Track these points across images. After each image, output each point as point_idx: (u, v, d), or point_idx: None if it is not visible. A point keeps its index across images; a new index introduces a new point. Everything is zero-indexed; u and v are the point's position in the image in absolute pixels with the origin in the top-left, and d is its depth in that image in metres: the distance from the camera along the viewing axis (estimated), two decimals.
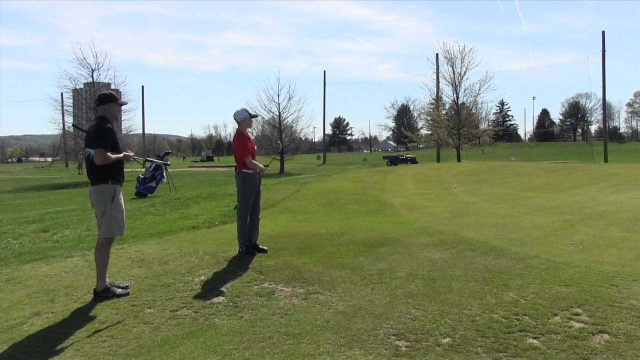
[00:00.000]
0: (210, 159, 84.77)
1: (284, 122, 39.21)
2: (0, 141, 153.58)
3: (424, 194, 12.51)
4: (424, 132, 54.58)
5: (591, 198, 10.83)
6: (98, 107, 4.72)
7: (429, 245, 6.23)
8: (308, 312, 3.96)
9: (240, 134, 6.08)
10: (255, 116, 6.25)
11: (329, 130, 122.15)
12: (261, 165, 6.15)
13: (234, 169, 6.34)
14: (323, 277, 4.92)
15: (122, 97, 29.07)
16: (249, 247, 6.07)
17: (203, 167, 54.96)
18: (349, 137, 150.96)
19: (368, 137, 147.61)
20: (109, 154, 4.45)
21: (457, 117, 39.69)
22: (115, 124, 4.87)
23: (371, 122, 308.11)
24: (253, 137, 6.38)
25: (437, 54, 41.74)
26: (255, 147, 6.27)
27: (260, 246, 6.15)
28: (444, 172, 18.91)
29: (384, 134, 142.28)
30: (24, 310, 4.24)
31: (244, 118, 6.01)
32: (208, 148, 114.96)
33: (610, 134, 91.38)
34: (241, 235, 6.08)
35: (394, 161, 48.04)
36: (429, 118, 46.20)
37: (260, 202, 6.34)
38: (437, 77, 41.96)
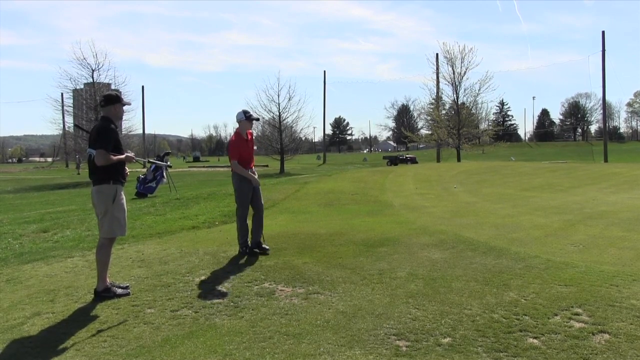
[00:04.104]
0: (196, 159, 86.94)
1: (284, 122, 39.25)
2: (0, 141, 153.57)
3: (424, 194, 12.51)
4: (424, 132, 54.63)
5: (591, 198, 10.83)
6: (103, 107, 4.72)
7: (429, 245, 6.23)
8: (308, 312, 3.96)
9: (237, 135, 6.07)
10: (253, 118, 6.14)
11: (329, 130, 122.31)
12: (249, 174, 5.96)
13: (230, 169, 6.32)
14: (323, 277, 4.92)
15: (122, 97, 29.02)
16: (250, 247, 6.07)
17: (203, 167, 54.98)
18: (349, 137, 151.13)
19: (368, 137, 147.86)
20: (110, 155, 4.45)
21: (457, 117, 39.68)
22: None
23: (371, 122, 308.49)
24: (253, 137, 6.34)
25: (437, 54, 41.78)
26: (255, 148, 6.25)
27: (263, 245, 6.13)
28: (444, 172, 18.91)
29: (384, 134, 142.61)
30: (24, 310, 4.24)
31: (240, 119, 6.02)
32: (196, 150, 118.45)
33: (610, 134, 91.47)
34: (241, 235, 6.09)
35: (394, 161, 48.08)
36: (429, 118, 46.24)
37: (262, 201, 6.29)
38: (437, 77, 41.97)
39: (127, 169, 4.81)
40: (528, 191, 12.62)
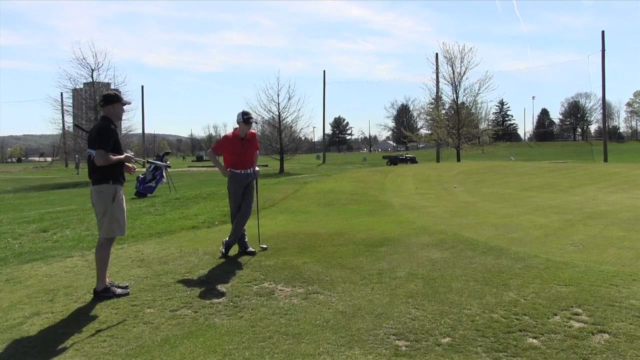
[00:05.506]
0: (200, 158, 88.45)
1: (284, 122, 39.18)
2: (0, 141, 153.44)
3: (424, 193, 12.52)
4: (423, 131, 54.58)
5: (591, 198, 10.83)
6: (103, 107, 4.71)
7: (429, 245, 6.23)
8: (308, 311, 3.96)
9: (233, 133, 6.08)
10: (251, 121, 6.06)
11: (328, 130, 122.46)
12: (220, 165, 6.10)
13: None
14: (323, 277, 4.92)
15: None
16: (224, 244, 6.00)
17: (203, 167, 54.98)
18: (348, 137, 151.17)
19: (368, 136, 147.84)
20: (109, 155, 4.45)
21: (457, 117, 39.71)
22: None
23: (371, 122, 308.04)
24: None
25: (436, 54, 41.85)
26: (256, 151, 6.19)
27: (226, 252, 5.92)
28: (444, 171, 18.91)
29: (383, 134, 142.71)
30: (23, 310, 4.23)
31: (238, 121, 6.03)
32: (197, 150, 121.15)
33: (609, 134, 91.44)
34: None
35: (393, 161, 48.03)
36: (428, 118, 46.25)
37: (252, 202, 6.10)
38: (437, 77, 42.02)
39: (134, 167, 4.81)
40: (528, 191, 12.62)
